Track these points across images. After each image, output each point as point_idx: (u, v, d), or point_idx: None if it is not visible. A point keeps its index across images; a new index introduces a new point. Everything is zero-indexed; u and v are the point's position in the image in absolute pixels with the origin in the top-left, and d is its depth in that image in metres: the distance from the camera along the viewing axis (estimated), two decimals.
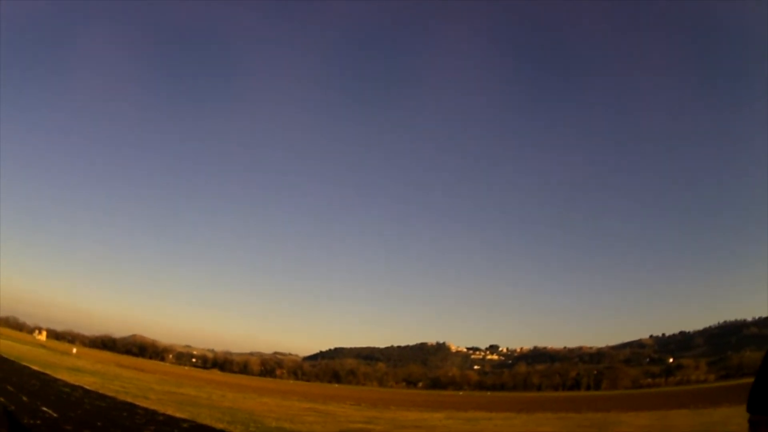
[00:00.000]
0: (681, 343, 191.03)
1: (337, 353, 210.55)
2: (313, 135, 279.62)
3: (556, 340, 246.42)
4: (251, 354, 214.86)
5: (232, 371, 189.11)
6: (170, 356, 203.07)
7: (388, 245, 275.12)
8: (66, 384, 33.40)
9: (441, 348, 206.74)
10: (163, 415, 22.50)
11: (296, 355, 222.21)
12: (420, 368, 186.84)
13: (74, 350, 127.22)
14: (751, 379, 3.76)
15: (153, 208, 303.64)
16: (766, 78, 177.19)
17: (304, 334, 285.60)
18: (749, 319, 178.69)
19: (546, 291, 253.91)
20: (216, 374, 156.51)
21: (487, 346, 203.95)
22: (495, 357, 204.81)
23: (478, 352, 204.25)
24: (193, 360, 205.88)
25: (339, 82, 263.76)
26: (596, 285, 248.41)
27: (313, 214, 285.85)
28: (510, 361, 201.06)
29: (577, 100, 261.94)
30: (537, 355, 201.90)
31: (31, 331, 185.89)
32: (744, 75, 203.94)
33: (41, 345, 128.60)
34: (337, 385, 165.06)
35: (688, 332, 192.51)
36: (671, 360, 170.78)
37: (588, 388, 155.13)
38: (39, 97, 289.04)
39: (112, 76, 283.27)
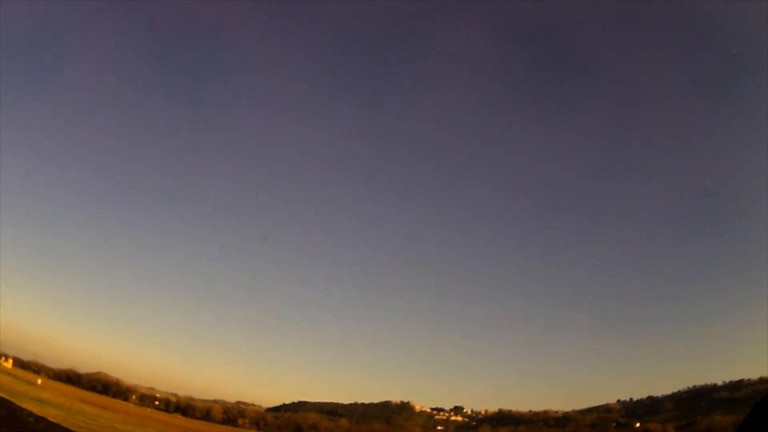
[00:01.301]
0: (649, 407, 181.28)
1: (300, 407, 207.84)
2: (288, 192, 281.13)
3: (521, 403, 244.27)
4: (214, 401, 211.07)
5: (194, 417, 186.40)
6: (134, 397, 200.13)
7: (352, 302, 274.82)
8: (31, 414, 34.70)
9: (405, 407, 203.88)
10: None
11: (259, 406, 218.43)
12: (383, 426, 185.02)
13: (39, 381, 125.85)
14: None
15: (127, 249, 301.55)
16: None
17: (267, 385, 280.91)
18: (720, 383, 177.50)
19: (511, 353, 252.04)
20: (178, 419, 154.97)
21: (452, 407, 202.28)
22: (459, 418, 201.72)
23: (442, 413, 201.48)
24: (156, 402, 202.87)
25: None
26: (563, 348, 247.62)
27: (281, 265, 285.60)
28: (474, 423, 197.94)
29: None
30: (502, 418, 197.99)
31: None
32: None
33: (7, 372, 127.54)
34: None
35: (657, 397, 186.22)
36: (638, 425, 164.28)
37: None
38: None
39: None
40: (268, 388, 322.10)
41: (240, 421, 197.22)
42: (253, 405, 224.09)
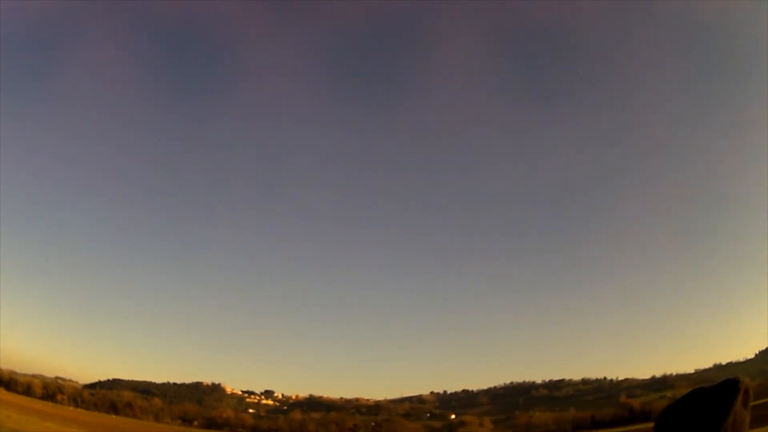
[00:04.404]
0: (464, 401, 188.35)
1: (115, 384, 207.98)
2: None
3: (331, 390, 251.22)
4: (34, 376, 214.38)
5: (16, 391, 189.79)
6: None
7: (164, 280, 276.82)
8: None
9: (216, 389, 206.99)
10: None
11: (76, 382, 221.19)
12: (195, 407, 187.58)
13: None
14: None
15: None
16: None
17: (85, 361, 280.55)
18: (539, 381, 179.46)
19: (321, 340, 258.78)
20: (2, 393, 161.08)
21: (262, 390, 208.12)
22: (270, 402, 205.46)
23: (253, 396, 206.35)
24: None
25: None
26: (375, 339, 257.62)
27: (106, 242, 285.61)
28: (285, 408, 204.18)
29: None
30: (312, 403, 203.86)
31: None
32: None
33: None
34: (115, 417, 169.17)
35: (472, 391, 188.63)
36: (453, 416, 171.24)
37: None
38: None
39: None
40: (86, 365, 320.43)
41: (59, 397, 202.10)
42: (71, 381, 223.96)
